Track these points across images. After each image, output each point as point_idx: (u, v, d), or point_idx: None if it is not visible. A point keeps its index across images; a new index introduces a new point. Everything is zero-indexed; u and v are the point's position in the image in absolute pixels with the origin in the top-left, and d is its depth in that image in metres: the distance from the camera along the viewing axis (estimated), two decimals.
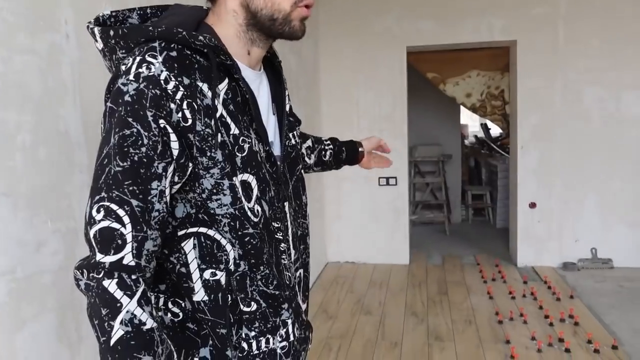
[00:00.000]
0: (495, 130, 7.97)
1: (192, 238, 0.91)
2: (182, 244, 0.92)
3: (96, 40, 0.93)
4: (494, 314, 3.71)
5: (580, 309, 3.74)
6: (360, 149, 1.57)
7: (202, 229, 0.91)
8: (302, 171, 1.17)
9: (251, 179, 0.93)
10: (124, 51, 0.90)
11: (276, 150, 1.03)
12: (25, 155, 1.32)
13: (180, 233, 0.91)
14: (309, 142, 1.45)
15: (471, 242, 5.82)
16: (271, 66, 1.10)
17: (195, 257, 0.92)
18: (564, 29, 4.59)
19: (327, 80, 5.00)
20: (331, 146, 1.51)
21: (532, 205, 4.80)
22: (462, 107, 6.50)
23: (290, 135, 1.09)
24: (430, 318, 3.71)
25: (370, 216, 5.08)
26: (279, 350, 0.99)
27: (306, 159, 1.44)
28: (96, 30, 0.92)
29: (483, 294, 4.13)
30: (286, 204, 1.04)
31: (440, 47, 4.98)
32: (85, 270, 0.82)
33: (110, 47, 0.91)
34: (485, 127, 7.82)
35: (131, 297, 0.81)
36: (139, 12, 0.99)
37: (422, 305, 3.97)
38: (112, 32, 0.90)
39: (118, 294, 0.80)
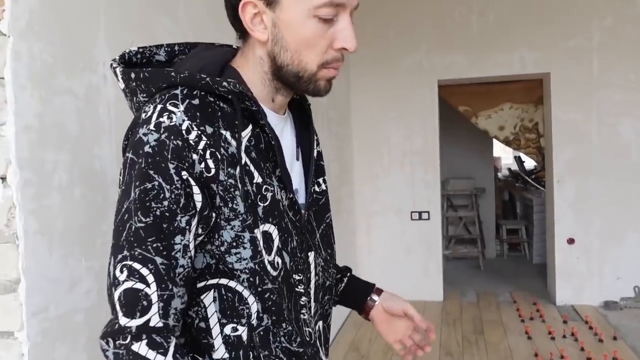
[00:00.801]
0: (530, 163, 7.84)
1: (212, 290, 0.85)
2: (202, 297, 0.85)
3: (118, 80, 0.91)
4: (533, 356, 3.57)
5: (624, 351, 3.57)
6: (372, 297, 1.23)
7: (223, 280, 0.85)
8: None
9: (272, 229, 0.87)
10: (145, 95, 0.87)
11: (301, 198, 0.97)
12: (62, 194, 1.34)
13: (199, 285, 0.85)
14: None
15: (507, 278, 5.66)
16: (299, 108, 1.05)
17: (216, 311, 0.85)
18: (598, 60, 4.52)
19: (358, 115, 5.02)
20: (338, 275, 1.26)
21: (571, 241, 4.66)
22: (494, 140, 6.42)
23: (320, 180, 1.05)
24: (466, 358, 3.59)
25: (403, 251, 5.01)
26: None
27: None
28: (118, 70, 0.89)
29: (521, 334, 3.99)
30: (311, 253, 0.97)
31: (472, 80, 4.96)
32: (111, 339, 0.77)
33: (132, 88, 0.89)
34: (519, 160, 7.70)
35: (165, 354, 0.77)
36: (166, 49, 0.96)
37: (457, 344, 3.85)
38: (133, 75, 0.87)
39: (151, 354, 0.76)
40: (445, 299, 4.97)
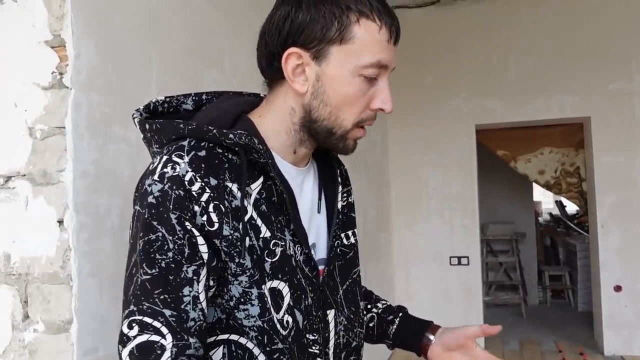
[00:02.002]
0: (572, 207, 7.66)
1: (222, 346, 0.81)
2: (211, 353, 0.81)
3: (137, 129, 0.90)
4: None
5: None
6: (427, 336, 1.14)
7: (233, 336, 0.81)
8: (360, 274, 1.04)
9: (282, 286, 0.83)
10: (158, 146, 0.87)
11: (320, 252, 0.94)
12: (113, 238, 1.39)
13: (209, 340, 0.81)
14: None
15: (551, 326, 5.47)
16: (324, 159, 1.01)
17: None
18: (639, 104, 4.46)
19: (395, 160, 5.04)
20: (381, 311, 1.24)
21: (618, 288, 4.49)
22: (535, 184, 6.32)
23: (350, 233, 1.01)
24: None
25: (442, 297, 4.91)
26: None
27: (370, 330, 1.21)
28: (136, 120, 0.89)
29: None
30: (330, 312, 0.92)
31: (510, 124, 4.94)
32: None
33: (148, 139, 0.89)
34: (560, 205, 7.54)
35: None
36: (194, 97, 0.95)
37: None
38: (147, 126, 0.86)
39: None
40: (486, 347, 4.82)
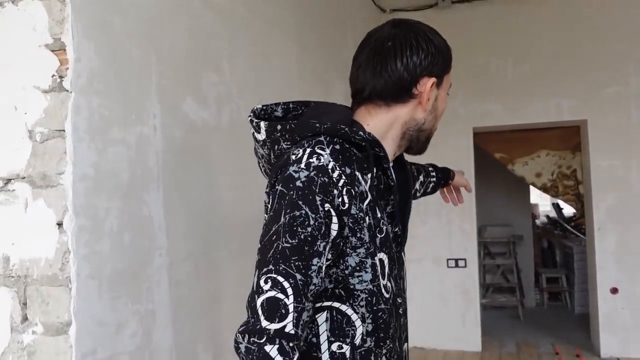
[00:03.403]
0: (569, 210, 7.68)
1: (326, 312, 0.98)
2: (316, 316, 0.98)
3: (259, 132, 1.05)
4: None
5: None
6: (450, 182, 1.77)
7: (336, 304, 0.98)
8: None
9: (385, 258, 1.02)
10: (288, 143, 1.02)
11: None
12: (112, 240, 1.40)
13: (316, 306, 0.97)
14: (421, 178, 1.62)
15: (548, 328, 5.48)
16: (396, 160, 1.20)
17: (326, 330, 0.98)
18: (636, 107, 4.48)
19: None
20: (434, 179, 1.69)
21: (614, 290, 4.51)
22: (532, 187, 6.34)
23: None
24: None
25: (439, 299, 4.92)
26: None
27: (417, 194, 1.61)
28: (262, 124, 1.04)
29: None
30: (401, 281, 1.13)
31: (508, 127, 4.96)
32: (247, 335, 0.87)
33: (275, 139, 1.03)
34: (557, 207, 7.56)
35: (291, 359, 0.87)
36: (283, 106, 1.11)
37: None
38: (279, 127, 1.02)
39: (278, 359, 0.86)
40: (483, 349, 4.83)
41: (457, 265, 4.90)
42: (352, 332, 0.98)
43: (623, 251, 4.50)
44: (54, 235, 1.28)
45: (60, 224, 1.28)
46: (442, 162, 5.21)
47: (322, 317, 0.98)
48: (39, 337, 1.29)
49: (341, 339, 0.98)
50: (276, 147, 1.04)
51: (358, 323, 0.98)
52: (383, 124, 1.09)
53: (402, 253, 1.15)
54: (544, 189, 5.50)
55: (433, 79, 1.07)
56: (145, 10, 1.59)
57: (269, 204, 0.98)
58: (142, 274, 1.52)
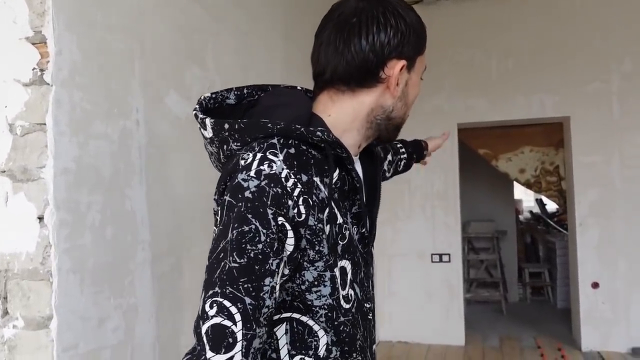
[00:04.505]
0: (552, 206, 7.77)
1: (285, 323, 0.90)
2: (275, 329, 0.90)
3: (205, 129, 0.93)
4: None
5: None
6: (425, 152, 1.70)
7: (295, 315, 0.90)
8: None
9: (347, 264, 0.93)
10: (238, 144, 0.90)
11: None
12: (94, 234, 1.40)
13: (274, 318, 0.89)
14: (389, 157, 1.52)
15: (530, 323, 5.55)
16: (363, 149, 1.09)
17: (286, 343, 0.90)
18: (618, 104, 4.54)
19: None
20: (405, 155, 1.61)
21: (595, 285, 4.58)
22: (515, 182, 6.40)
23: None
24: None
25: (423, 294, 4.96)
26: None
27: (387, 174, 1.52)
28: (208, 121, 0.92)
29: None
30: (370, 282, 1.03)
31: (491, 123, 5.00)
32: None
33: (223, 138, 0.91)
34: (540, 203, 7.63)
35: None
36: (235, 92, 1.00)
37: None
38: (227, 125, 0.89)
39: None
40: (467, 343, 4.88)
41: (441, 260, 4.94)
42: (315, 343, 0.90)
43: (604, 246, 4.57)
44: (34, 229, 1.27)
45: (41, 218, 1.27)
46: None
47: (281, 330, 0.90)
48: (20, 332, 1.29)
49: (304, 351, 0.90)
50: (225, 147, 0.92)
51: (321, 333, 0.90)
52: (347, 113, 0.96)
53: (371, 248, 1.05)
54: (528, 184, 5.56)
55: (403, 61, 0.94)
56: (128, 3, 1.58)
57: (217, 215, 0.88)
58: (125, 268, 1.52)
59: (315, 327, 0.90)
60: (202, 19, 2.01)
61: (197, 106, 0.96)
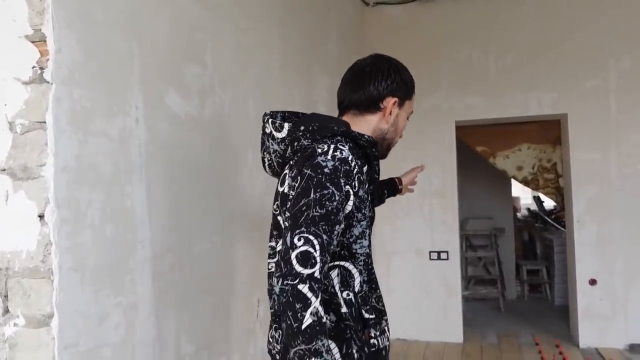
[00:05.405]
0: (549, 203, 7.78)
1: (336, 269, 1.29)
2: (330, 272, 1.28)
3: (279, 131, 1.34)
4: None
5: None
6: (400, 187, 2.03)
7: (342, 263, 1.29)
8: None
9: (368, 227, 1.34)
10: (309, 141, 1.29)
11: None
12: (94, 232, 1.40)
13: (329, 265, 1.25)
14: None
15: (528, 320, 5.57)
16: None
17: (338, 282, 1.28)
18: (615, 101, 4.55)
19: None
20: (379, 192, 1.90)
21: (593, 282, 4.59)
22: (513, 180, 6.42)
23: None
24: None
25: (421, 291, 4.97)
26: (387, 347, 1.38)
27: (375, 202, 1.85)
28: (286, 124, 1.33)
29: None
30: None
31: (489, 121, 5.00)
32: (282, 279, 1.13)
33: (295, 137, 1.31)
34: (538, 200, 7.65)
35: (316, 298, 1.12)
36: (281, 114, 1.41)
37: None
38: (302, 128, 1.31)
39: (309, 294, 1.12)
40: (465, 340, 4.89)
41: (439, 258, 4.94)
42: (352, 282, 1.30)
43: (602, 243, 4.58)
44: (35, 227, 1.27)
45: (41, 216, 1.27)
46: (425, 155, 5.23)
47: (334, 273, 1.28)
48: (21, 330, 1.29)
49: (347, 288, 1.29)
50: (295, 143, 1.31)
51: (356, 275, 1.30)
52: (361, 127, 1.40)
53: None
54: (525, 182, 5.57)
55: (396, 99, 1.41)
56: (127, 1, 1.58)
57: (295, 183, 1.24)
58: (125, 266, 1.52)
59: (353, 271, 1.30)
60: (201, 17, 2.01)
61: (268, 117, 1.38)
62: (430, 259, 4.97)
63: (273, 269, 1.40)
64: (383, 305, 1.42)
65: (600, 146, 4.58)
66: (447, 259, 4.93)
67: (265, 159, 1.41)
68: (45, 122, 1.28)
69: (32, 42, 1.30)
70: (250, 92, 2.43)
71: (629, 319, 4.52)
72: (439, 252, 4.95)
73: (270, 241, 1.42)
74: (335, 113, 1.47)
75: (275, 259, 1.39)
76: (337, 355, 1.27)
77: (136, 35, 1.61)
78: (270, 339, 1.36)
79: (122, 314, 1.49)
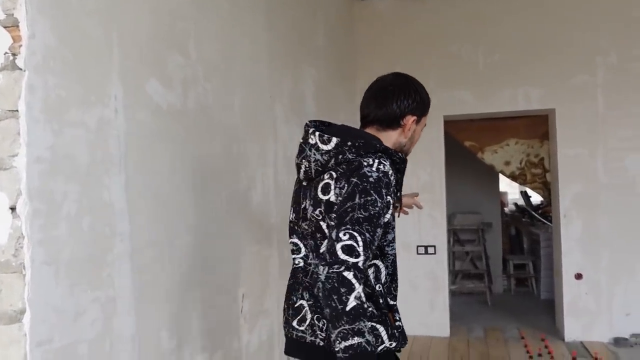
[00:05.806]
0: (536, 198, 7.81)
1: (372, 266, 1.50)
2: (369, 270, 1.47)
3: (327, 144, 1.48)
4: None
5: None
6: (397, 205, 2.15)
7: (376, 261, 1.50)
8: None
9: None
10: (354, 155, 1.43)
11: None
12: (69, 225, 1.35)
13: (368, 263, 1.37)
14: None
15: (514, 314, 5.59)
16: None
17: (373, 278, 1.49)
18: (603, 97, 4.56)
19: None
20: None
21: (578, 276, 4.61)
22: (501, 175, 6.42)
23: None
24: None
25: (409, 285, 4.96)
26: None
27: None
28: (334, 139, 1.47)
29: None
30: None
31: (478, 116, 4.99)
32: (328, 267, 1.28)
33: (341, 150, 1.45)
34: (525, 195, 7.68)
35: (360, 284, 1.27)
36: (314, 123, 1.59)
37: None
38: (349, 143, 1.45)
39: (353, 280, 1.27)
40: (451, 334, 4.90)
41: (426, 252, 4.94)
42: (380, 275, 1.51)
43: (587, 238, 4.60)
44: (6, 220, 1.23)
45: (13, 209, 1.23)
46: (413, 149, 5.19)
47: (371, 270, 1.48)
48: None
49: (379, 282, 1.50)
50: (340, 156, 1.45)
51: (383, 270, 1.52)
52: (389, 144, 1.57)
53: None
54: (513, 177, 5.58)
55: (414, 117, 1.59)
56: None
57: (342, 189, 1.41)
58: (103, 260, 1.48)
59: (381, 267, 1.52)
60: (184, 4, 1.96)
61: (313, 129, 1.54)
62: (418, 253, 4.97)
63: (300, 264, 1.59)
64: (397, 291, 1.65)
65: (588, 141, 4.59)
66: (435, 253, 4.93)
67: (302, 166, 1.55)
68: (17, 111, 1.23)
69: (4, 27, 1.24)
70: (235, 84, 2.38)
71: (613, 313, 4.55)
72: (426, 247, 4.94)
73: (291, 237, 1.62)
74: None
75: (300, 255, 1.59)
76: (385, 336, 1.48)
77: (115, 22, 1.56)
78: (306, 329, 1.53)
79: (100, 309, 1.45)
